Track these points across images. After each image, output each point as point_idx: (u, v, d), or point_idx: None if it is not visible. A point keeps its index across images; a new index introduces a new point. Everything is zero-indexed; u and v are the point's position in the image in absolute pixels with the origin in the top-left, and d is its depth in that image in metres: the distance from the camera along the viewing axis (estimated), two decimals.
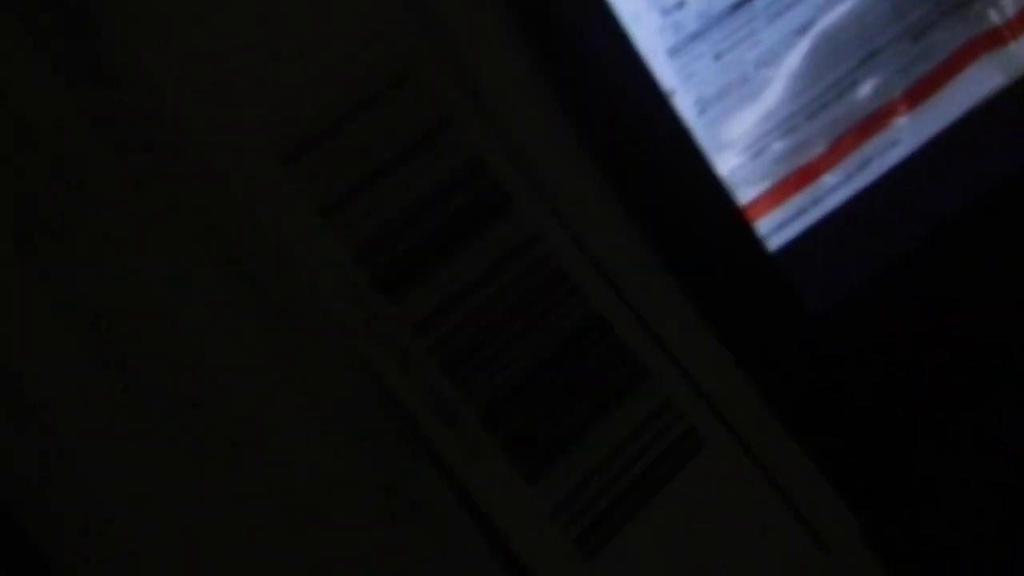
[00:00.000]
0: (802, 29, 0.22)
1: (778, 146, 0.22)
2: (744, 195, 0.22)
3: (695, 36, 0.21)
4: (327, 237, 0.18)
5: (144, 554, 0.16)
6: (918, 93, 0.23)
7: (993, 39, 0.24)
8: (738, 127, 0.22)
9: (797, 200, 0.23)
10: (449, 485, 0.17)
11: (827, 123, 0.23)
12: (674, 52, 0.21)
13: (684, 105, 0.21)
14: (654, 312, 0.19)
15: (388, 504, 0.17)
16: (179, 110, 0.17)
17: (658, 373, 0.19)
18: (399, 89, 0.19)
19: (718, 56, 0.22)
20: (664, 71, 0.21)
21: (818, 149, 0.23)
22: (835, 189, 0.23)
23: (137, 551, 0.16)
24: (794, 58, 0.22)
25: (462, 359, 0.18)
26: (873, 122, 0.23)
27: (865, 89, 0.23)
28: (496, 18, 0.19)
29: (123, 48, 0.17)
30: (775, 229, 0.22)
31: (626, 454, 0.18)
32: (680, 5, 0.21)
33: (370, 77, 0.18)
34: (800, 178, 0.23)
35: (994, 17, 0.24)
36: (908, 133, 0.23)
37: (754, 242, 0.22)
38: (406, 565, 0.17)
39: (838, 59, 0.23)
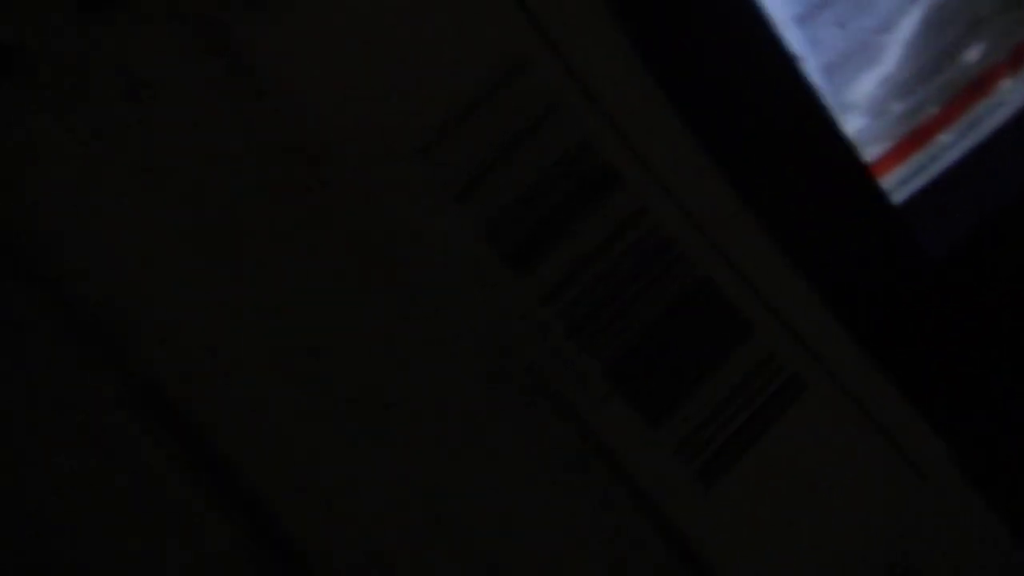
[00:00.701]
0: None
1: (897, 108, 0.24)
2: (869, 154, 0.24)
3: (822, 5, 0.23)
4: (459, 221, 0.20)
5: None
6: (1021, 57, 0.25)
7: None
8: (861, 90, 0.24)
9: (916, 158, 0.24)
10: (581, 433, 0.20)
11: (940, 86, 0.24)
12: (802, 20, 0.23)
13: (813, 70, 0.23)
14: (756, 271, 0.21)
15: (529, 451, 0.20)
16: (324, 117, 0.20)
17: (762, 327, 0.21)
18: (511, 82, 0.21)
19: (841, 24, 0.23)
20: (793, 38, 0.23)
21: (932, 110, 0.24)
22: (950, 148, 0.24)
23: None
24: (908, 25, 0.24)
25: (586, 323, 0.20)
26: (981, 85, 0.25)
27: (972, 54, 0.24)
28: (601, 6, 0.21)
29: (276, 67, 0.20)
30: (898, 185, 0.24)
31: (737, 398, 0.21)
32: None
33: (485, 73, 0.21)
34: (918, 137, 0.24)
35: None
36: (1013, 94, 0.25)
37: (881, 197, 0.23)
38: (548, 501, 0.20)
39: (947, 26, 0.24)
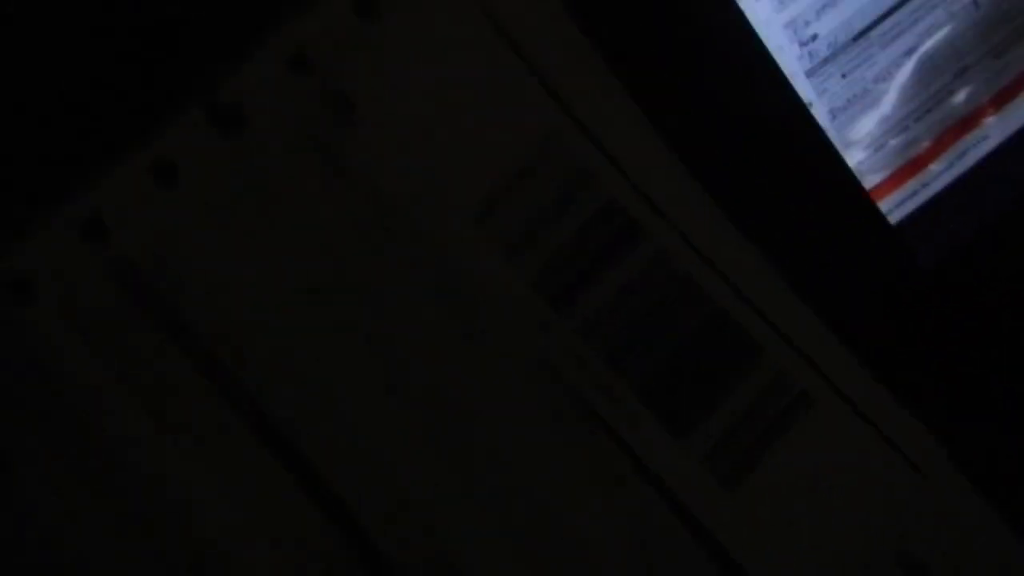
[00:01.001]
0: (909, 52, 0.27)
1: (894, 143, 0.28)
2: (869, 182, 0.27)
3: (826, 61, 0.27)
4: (512, 272, 0.24)
5: None
6: (1002, 98, 0.28)
7: None
8: (862, 129, 0.27)
9: (910, 185, 0.28)
10: (620, 447, 0.23)
11: (931, 124, 0.28)
12: (810, 74, 0.27)
13: (820, 114, 0.27)
14: (766, 301, 0.24)
15: (574, 464, 0.23)
16: (401, 195, 0.24)
17: (772, 350, 0.24)
18: (548, 155, 0.25)
19: (844, 75, 0.27)
20: (803, 88, 0.27)
21: (925, 144, 0.28)
22: (940, 175, 0.28)
23: None
24: (903, 74, 0.27)
25: (620, 353, 0.24)
26: (967, 122, 0.28)
27: (960, 97, 0.28)
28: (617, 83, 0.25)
29: (363, 163, 0.24)
30: (894, 207, 0.28)
31: (753, 413, 0.24)
32: (814, 38, 0.26)
33: (526, 149, 0.25)
34: (912, 167, 0.28)
35: None
36: (996, 129, 0.28)
37: (879, 217, 0.27)
38: (593, 507, 0.23)
39: (937, 74, 0.27)
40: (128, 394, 0.23)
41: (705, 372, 0.24)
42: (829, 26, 0.26)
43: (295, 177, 0.24)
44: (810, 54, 0.26)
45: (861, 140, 0.27)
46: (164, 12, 0.25)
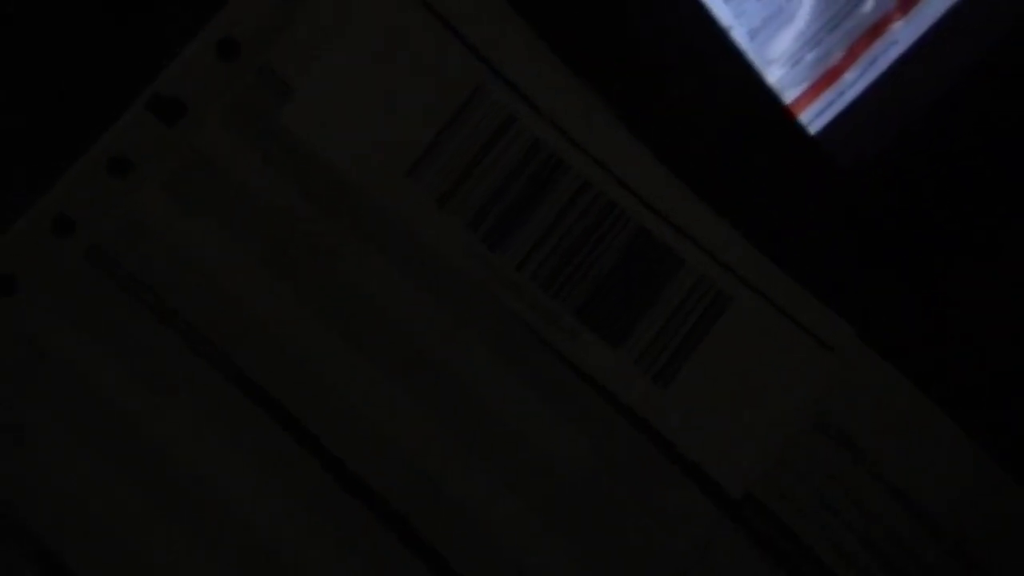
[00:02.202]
0: None
1: (809, 57, 0.30)
2: (788, 96, 0.29)
3: None
4: (446, 217, 0.27)
5: None
6: (908, 3, 0.30)
7: None
8: (779, 46, 0.29)
9: (826, 95, 0.30)
10: (560, 360, 0.26)
11: (843, 34, 0.30)
12: (727, 0, 0.29)
13: (739, 36, 0.29)
14: (684, 218, 0.27)
15: (524, 376, 0.26)
16: (337, 157, 0.27)
17: (691, 259, 0.27)
18: (471, 106, 0.27)
19: None
20: (722, 13, 0.29)
21: (838, 55, 0.30)
22: (854, 84, 0.30)
23: None
24: None
25: (553, 278, 0.27)
26: (876, 29, 0.30)
27: (868, 5, 0.29)
28: (532, 35, 0.27)
29: (299, 130, 0.27)
30: (813, 118, 0.30)
31: (679, 316, 0.27)
32: None
33: (450, 102, 0.27)
34: (828, 78, 0.30)
35: None
36: (904, 34, 0.30)
37: (799, 129, 0.29)
38: (541, 411, 0.26)
39: None
40: (118, 365, 0.26)
41: (633, 286, 0.27)
42: None
43: (240, 154, 0.27)
44: None
45: (779, 57, 0.30)
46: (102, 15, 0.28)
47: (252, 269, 0.26)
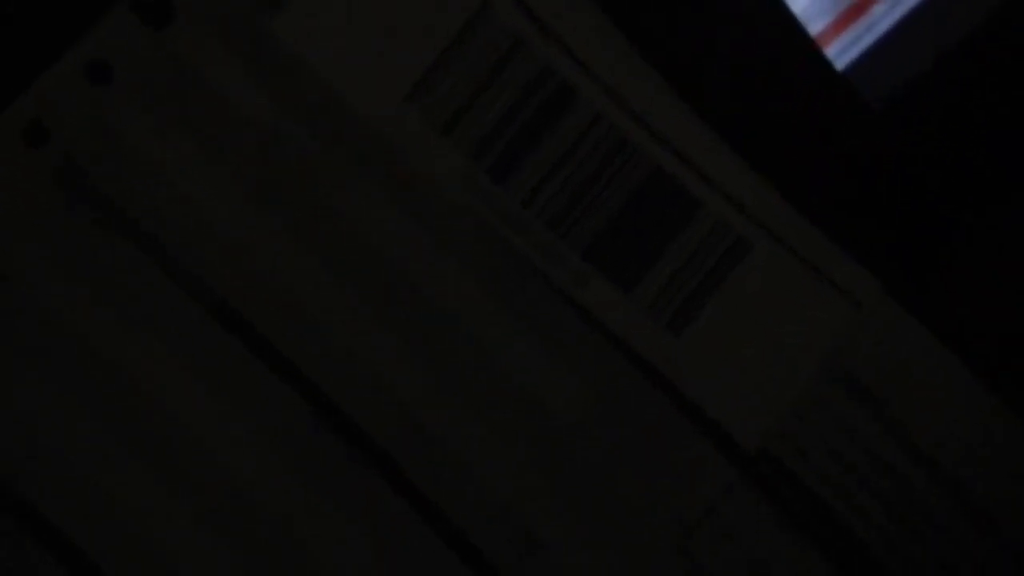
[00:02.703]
0: None
1: None
2: (813, 28, 0.28)
3: None
4: (446, 146, 0.25)
5: None
6: None
7: None
8: None
9: (854, 29, 0.28)
10: (566, 302, 0.25)
11: None
12: None
13: None
14: (702, 158, 0.25)
15: (526, 318, 0.25)
16: (332, 79, 0.25)
17: (709, 202, 0.25)
18: (477, 27, 0.25)
19: None
20: None
21: None
22: (883, 16, 0.28)
23: None
24: None
25: (561, 216, 0.25)
26: None
27: None
28: None
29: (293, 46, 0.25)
30: (840, 53, 0.28)
31: (694, 262, 0.25)
32: None
33: (454, 23, 0.25)
34: (855, 11, 0.28)
35: None
36: None
37: (826, 63, 0.27)
38: (546, 359, 0.25)
39: None
40: (85, 288, 0.24)
41: (646, 228, 0.25)
42: None
43: (227, 66, 0.25)
44: None
45: None
46: None
47: (233, 191, 0.24)
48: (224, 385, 0.24)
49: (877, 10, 0.28)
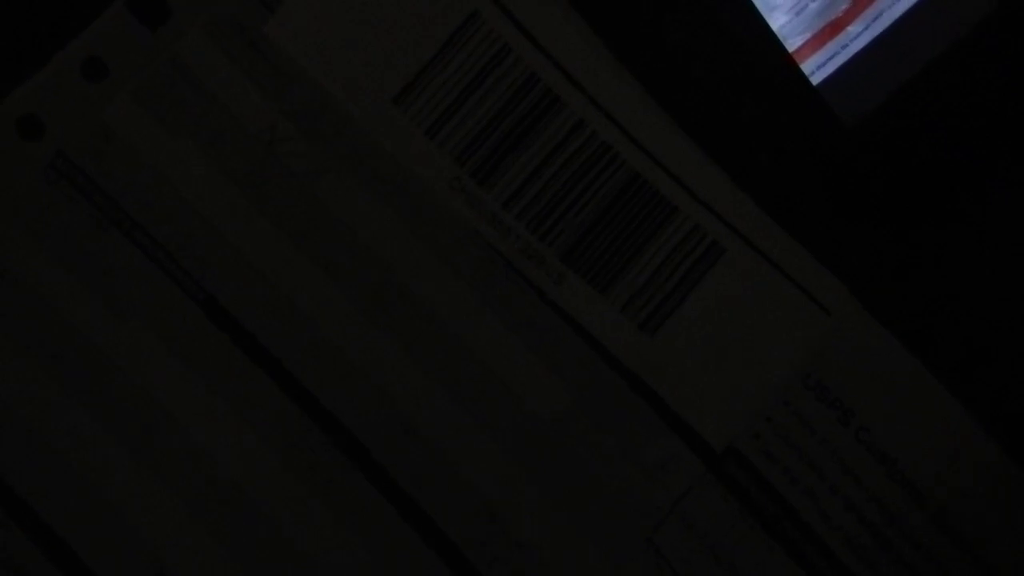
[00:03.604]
0: None
1: (814, 5, 0.29)
2: (791, 45, 0.29)
3: None
4: (432, 147, 0.26)
5: None
6: None
7: None
8: None
9: (830, 47, 0.29)
10: (543, 302, 0.26)
11: None
12: None
13: None
14: (679, 165, 0.26)
15: (505, 317, 0.26)
16: (322, 79, 0.26)
17: (684, 208, 0.26)
18: (467, 35, 0.26)
19: None
20: None
21: (843, 5, 0.29)
22: (858, 36, 0.29)
23: None
24: None
25: (541, 218, 0.26)
26: None
27: None
28: None
29: (285, 47, 0.26)
30: (815, 69, 0.29)
31: (669, 265, 0.26)
32: None
33: (442, 29, 0.26)
34: (832, 29, 0.29)
35: None
36: None
37: (802, 78, 0.28)
38: (524, 355, 0.26)
39: None
40: (78, 282, 0.25)
41: (623, 232, 0.26)
42: None
43: (220, 65, 0.25)
44: None
45: (783, 4, 0.29)
46: None
47: (225, 188, 0.25)
48: (212, 379, 0.25)
49: (852, 30, 0.29)
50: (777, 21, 0.29)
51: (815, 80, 0.28)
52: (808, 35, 0.29)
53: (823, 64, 0.29)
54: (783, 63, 0.28)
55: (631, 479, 0.25)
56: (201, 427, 0.25)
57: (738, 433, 0.25)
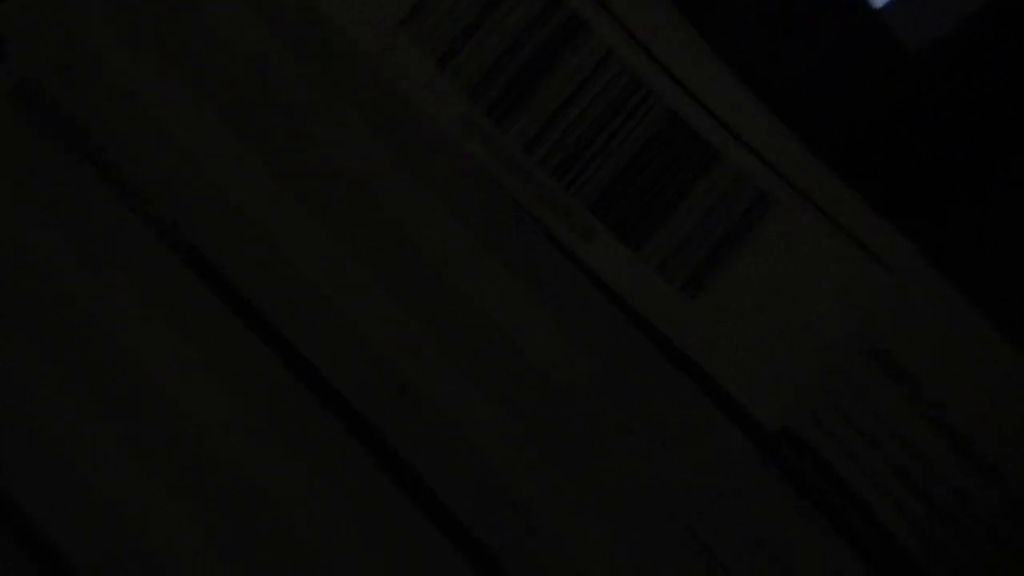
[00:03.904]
0: None
1: None
2: None
3: None
4: (444, 79, 0.22)
5: None
6: None
7: None
8: None
9: None
10: (569, 259, 0.22)
11: None
12: None
13: None
14: (720, 103, 0.23)
15: (522, 276, 0.22)
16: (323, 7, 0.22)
17: (729, 153, 0.23)
18: None
19: None
20: None
21: None
22: None
23: None
24: None
25: (567, 163, 0.23)
26: None
27: None
28: None
29: None
30: None
31: (710, 218, 0.23)
32: None
33: None
34: None
35: None
36: None
37: (861, 1, 0.25)
38: (544, 320, 0.22)
39: None
40: (48, 227, 0.22)
41: (658, 179, 0.23)
42: None
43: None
44: None
45: None
46: None
47: (212, 123, 0.22)
48: (192, 332, 0.22)
49: None
50: None
51: (878, 1, 0.25)
52: None
53: None
54: None
55: (666, 463, 0.22)
56: (183, 387, 0.22)
57: (792, 409, 0.22)
